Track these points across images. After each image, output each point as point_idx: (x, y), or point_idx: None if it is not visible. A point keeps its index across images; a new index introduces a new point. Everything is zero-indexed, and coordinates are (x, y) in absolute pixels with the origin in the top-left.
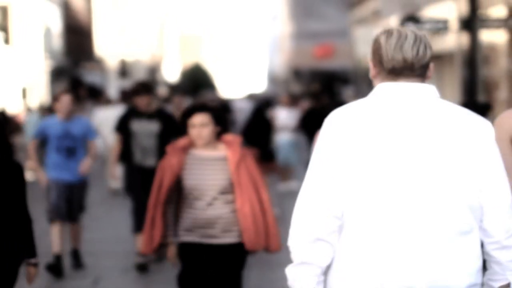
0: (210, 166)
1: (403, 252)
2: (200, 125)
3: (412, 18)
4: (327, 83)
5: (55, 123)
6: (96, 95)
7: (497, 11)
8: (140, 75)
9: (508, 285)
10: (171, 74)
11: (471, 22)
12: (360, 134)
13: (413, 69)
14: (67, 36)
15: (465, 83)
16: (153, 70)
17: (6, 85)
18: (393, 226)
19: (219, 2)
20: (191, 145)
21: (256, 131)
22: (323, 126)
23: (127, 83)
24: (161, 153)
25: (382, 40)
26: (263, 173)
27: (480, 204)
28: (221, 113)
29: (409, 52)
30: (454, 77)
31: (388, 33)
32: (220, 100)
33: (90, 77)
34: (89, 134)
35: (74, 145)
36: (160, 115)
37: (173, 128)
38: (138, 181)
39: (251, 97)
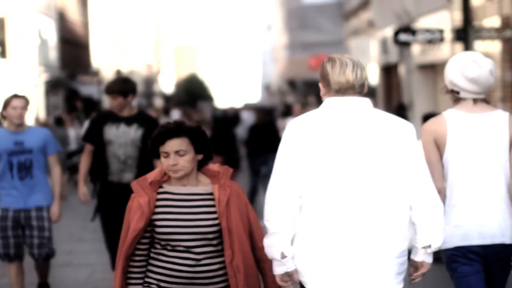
0: (190, 207)
1: (347, 225)
2: (176, 153)
3: (406, 29)
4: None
5: (3, 135)
6: (92, 107)
7: (491, 22)
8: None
9: (429, 246)
10: (167, 85)
11: (465, 33)
12: (314, 136)
13: (354, 88)
14: (62, 48)
15: None
16: (149, 81)
17: (2, 97)
18: (337, 207)
19: (214, 13)
20: (164, 179)
21: (269, 143)
22: (285, 130)
23: None
24: (143, 166)
25: (329, 67)
26: None
27: (408, 187)
28: (203, 136)
29: (350, 76)
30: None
31: (333, 61)
32: (231, 111)
33: (86, 89)
34: (49, 147)
35: (29, 162)
36: (141, 119)
37: None
38: (114, 203)
39: (252, 108)
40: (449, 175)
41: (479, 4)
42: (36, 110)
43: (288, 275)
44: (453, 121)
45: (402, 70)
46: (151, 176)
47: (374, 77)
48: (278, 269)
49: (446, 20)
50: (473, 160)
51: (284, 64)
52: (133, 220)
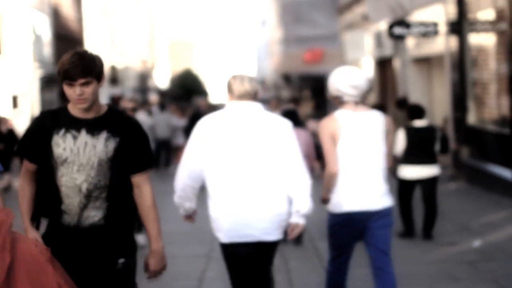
0: None
1: (239, 194)
2: None
3: (400, 22)
4: (317, 88)
5: None
6: None
7: (485, 14)
8: (130, 82)
9: (299, 211)
10: (162, 81)
11: (459, 26)
12: (217, 128)
13: (249, 95)
14: (57, 44)
15: (454, 85)
16: (144, 77)
17: None
18: (232, 181)
19: (209, 8)
20: None
21: None
22: (198, 124)
23: (118, 91)
24: (116, 200)
25: (233, 80)
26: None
27: (284, 168)
28: None
29: (247, 87)
30: (443, 80)
31: (236, 77)
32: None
33: None
34: None
35: None
36: (115, 122)
37: (142, 148)
38: (69, 260)
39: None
40: (342, 160)
41: None
42: (30, 106)
43: (189, 216)
44: (343, 119)
45: (396, 63)
46: None
47: (369, 71)
48: (182, 212)
49: (441, 13)
50: (359, 149)
51: (279, 59)
52: None
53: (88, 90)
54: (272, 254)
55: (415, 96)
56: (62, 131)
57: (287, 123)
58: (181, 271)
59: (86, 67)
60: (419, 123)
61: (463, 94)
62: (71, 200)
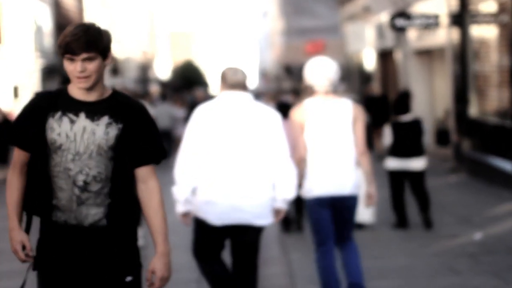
0: None
1: (230, 179)
2: None
3: (402, 14)
4: None
5: None
6: None
7: (487, 6)
8: (131, 73)
9: (283, 197)
10: (163, 72)
11: (461, 18)
12: (210, 118)
13: (241, 86)
14: (58, 34)
15: (456, 77)
16: (145, 68)
17: None
18: (223, 166)
19: None
20: None
21: None
22: (194, 112)
23: (119, 81)
24: (119, 196)
25: (226, 71)
26: None
27: (270, 156)
28: None
29: (240, 77)
30: (445, 72)
31: (229, 68)
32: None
33: None
34: None
35: None
36: (119, 106)
37: (149, 138)
38: (63, 261)
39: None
40: (310, 146)
41: None
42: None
43: (186, 214)
44: (311, 107)
45: (398, 55)
46: None
47: (370, 63)
48: (180, 209)
49: (442, 5)
50: (326, 136)
51: (280, 50)
52: None
53: (91, 67)
54: (259, 239)
55: (417, 88)
56: (59, 114)
57: (275, 114)
58: (181, 262)
59: (90, 41)
60: (405, 117)
61: (464, 86)
62: (64, 194)
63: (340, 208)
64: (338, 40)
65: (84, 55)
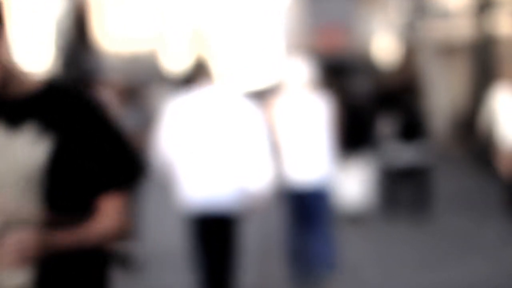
0: None
1: (202, 171)
2: None
3: (423, 10)
4: (338, 72)
5: None
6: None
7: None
8: (143, 68)
9: (258, 184)
10: (176, 67)
11: (482, 9)
12: (185, 110)
13: (220, 77)
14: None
15: (477, 69)
16: (156, 64)
17: None
18: (199, 156)
19: None
20: None
21: None
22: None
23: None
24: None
25: (208, 63)
26: None
27: (247, 146)
28: None
29: (221, 69)
30: (465, 64)
31: (211, 60)
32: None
33: None
34: None
35: None
36: (53, 104)
37: (107, 150)
38: None
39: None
40: (283, 138)
41: None
42: None
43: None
44: (287, 100)
45: (419, 51)
46: None
47: (392, 58)
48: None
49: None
50: (299, 128)
51: (297, 44)
52: None
53: None
54: (238, 226)
55: (438, 85)
56: None
57: (256, 109)
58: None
59: None
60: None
61: (486, 77)
62: None
63: (311, 195)
64: (358, 34)
65: None
